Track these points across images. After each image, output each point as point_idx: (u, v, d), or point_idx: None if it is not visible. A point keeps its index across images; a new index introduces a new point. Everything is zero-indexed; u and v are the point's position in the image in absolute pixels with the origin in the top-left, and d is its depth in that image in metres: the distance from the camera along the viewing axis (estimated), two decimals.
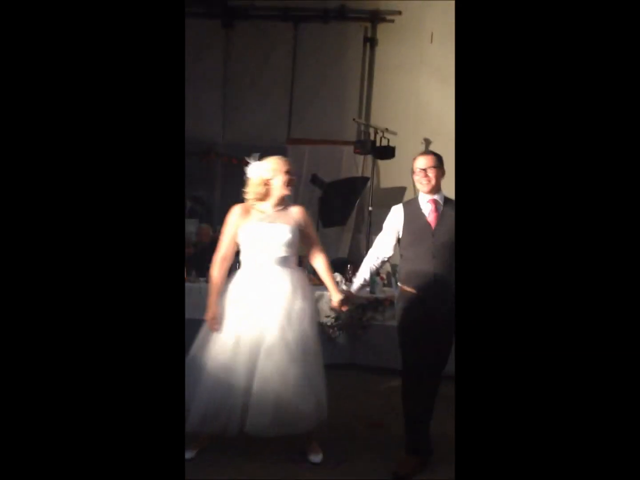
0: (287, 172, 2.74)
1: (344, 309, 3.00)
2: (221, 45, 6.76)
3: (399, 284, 2.94)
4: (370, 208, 6.12)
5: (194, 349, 2.72)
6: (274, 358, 2.60)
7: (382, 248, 2.94)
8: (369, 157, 6.32)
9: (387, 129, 6.27)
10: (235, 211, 2.79)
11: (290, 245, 2.74)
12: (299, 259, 2.93)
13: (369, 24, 6.87)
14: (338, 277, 4.50)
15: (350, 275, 4.54)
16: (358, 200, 6.39)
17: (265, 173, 2.74)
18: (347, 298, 2.93)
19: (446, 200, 2.88)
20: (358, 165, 6.55)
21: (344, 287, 3.86)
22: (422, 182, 2.82)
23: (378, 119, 6.58)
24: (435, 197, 2.85)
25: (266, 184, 2.73)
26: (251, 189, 2.77)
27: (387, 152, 6.13)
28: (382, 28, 6.90)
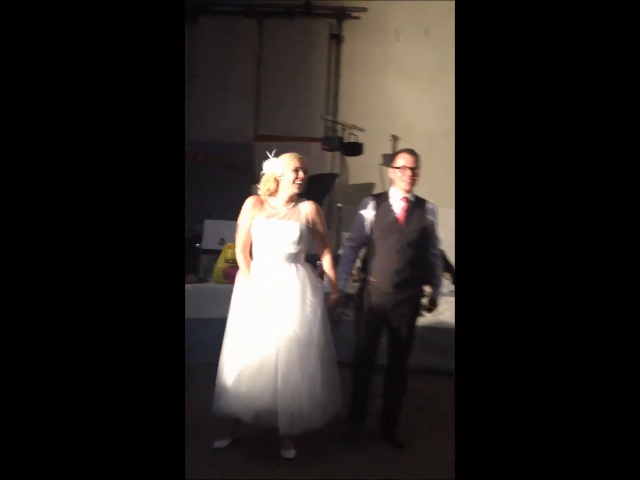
0: (296, 170, 2.75)
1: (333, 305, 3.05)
2: (185, 41, 6.67)
3: (362, 276, 3.00)
4: (339, 204, 6.13)
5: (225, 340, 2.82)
6: (291, 354, 2.66)
7: (355, 241, 2.98)
8: (337, 154, 6.33)
9: (354, 126, 6.30)
10: (249, 203, 2.82)
11: (298, 242, 2.78)
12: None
13: (334, 21, 6.88)
14: None
15: (321, 270, 4.53)
16: (327, 197, 6.39)
17: (277, 169, 2.78)
18: (341, 297, 3.00)
19: (417, 199, 2.93)
20: (326, 161, 6.55)
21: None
22: (405, 180, 2.87)
23: (345, 115, 6.58)
24: (408, 195, 2.90)
25: (276, 180, 2.76)
26: (263, 185, 2.82)
27: (355, 149, 6.14)
28: (347, 25, 6.91)
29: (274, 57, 6.82)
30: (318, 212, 2.88)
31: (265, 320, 2.70)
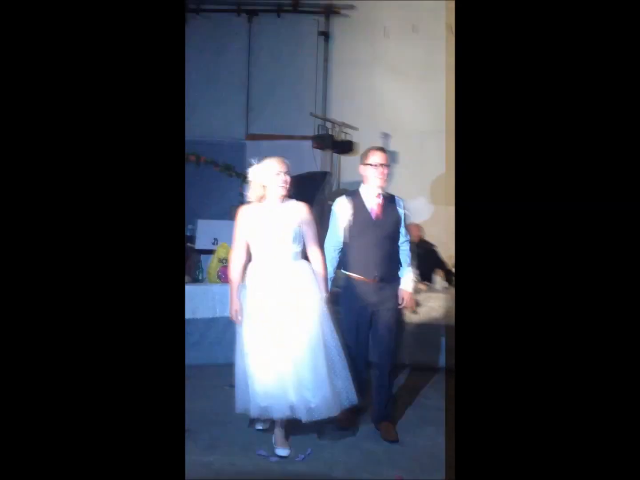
0: (280, 173, 2.84)
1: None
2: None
3: (342, 270, 3.08)
4: (330, 202, 6.15)
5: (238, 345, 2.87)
6: (301, 348, 2.74)
7: (335, 239, 3.05)
8: (328, 152, 6.35)
9: (344, 123, 6.31)
10: (242, 212, 2.92)
11: (293, 241, 2.85)
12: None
13: (323, 18, 6.89)
14: None
15: None
16: (318, 195, 6.41)
17: (262, 175, 2.86)
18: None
19: (387, 194, 3.02)
20: (317, 159, 6.57)
21: None
22: (379, 177, 2.99)
23: (335, 113, 6.61)
24: (381, 191, 3.01)
25: (264, 185, 2.86)
26: (251, 191, 2.90)
27: (347, 147, 6.17)
28: (336, 22, 6.93)
29: (263, 55, 6.84)
30: (308, 212, 2.94)
31: (277, 320, 2.78)
